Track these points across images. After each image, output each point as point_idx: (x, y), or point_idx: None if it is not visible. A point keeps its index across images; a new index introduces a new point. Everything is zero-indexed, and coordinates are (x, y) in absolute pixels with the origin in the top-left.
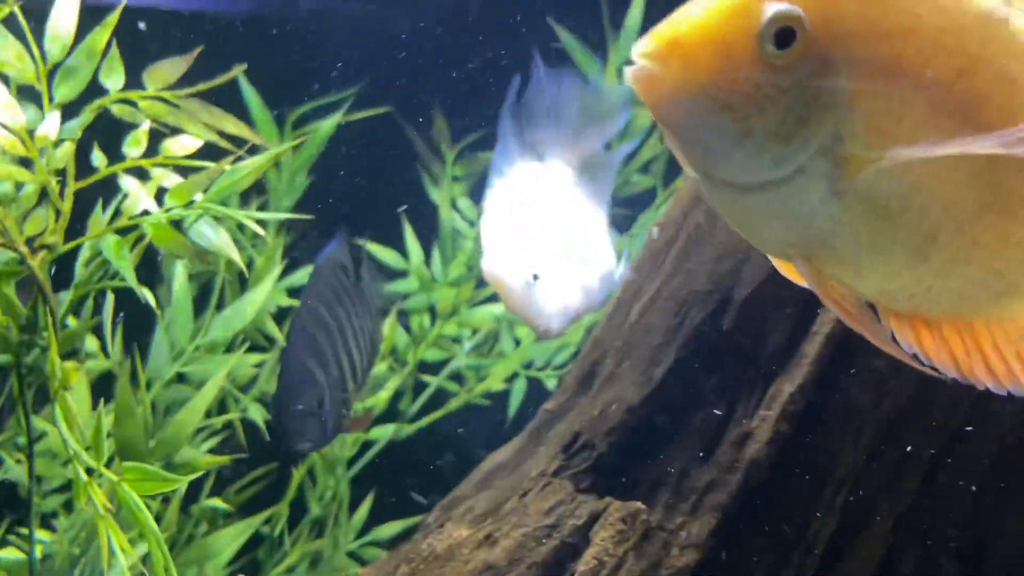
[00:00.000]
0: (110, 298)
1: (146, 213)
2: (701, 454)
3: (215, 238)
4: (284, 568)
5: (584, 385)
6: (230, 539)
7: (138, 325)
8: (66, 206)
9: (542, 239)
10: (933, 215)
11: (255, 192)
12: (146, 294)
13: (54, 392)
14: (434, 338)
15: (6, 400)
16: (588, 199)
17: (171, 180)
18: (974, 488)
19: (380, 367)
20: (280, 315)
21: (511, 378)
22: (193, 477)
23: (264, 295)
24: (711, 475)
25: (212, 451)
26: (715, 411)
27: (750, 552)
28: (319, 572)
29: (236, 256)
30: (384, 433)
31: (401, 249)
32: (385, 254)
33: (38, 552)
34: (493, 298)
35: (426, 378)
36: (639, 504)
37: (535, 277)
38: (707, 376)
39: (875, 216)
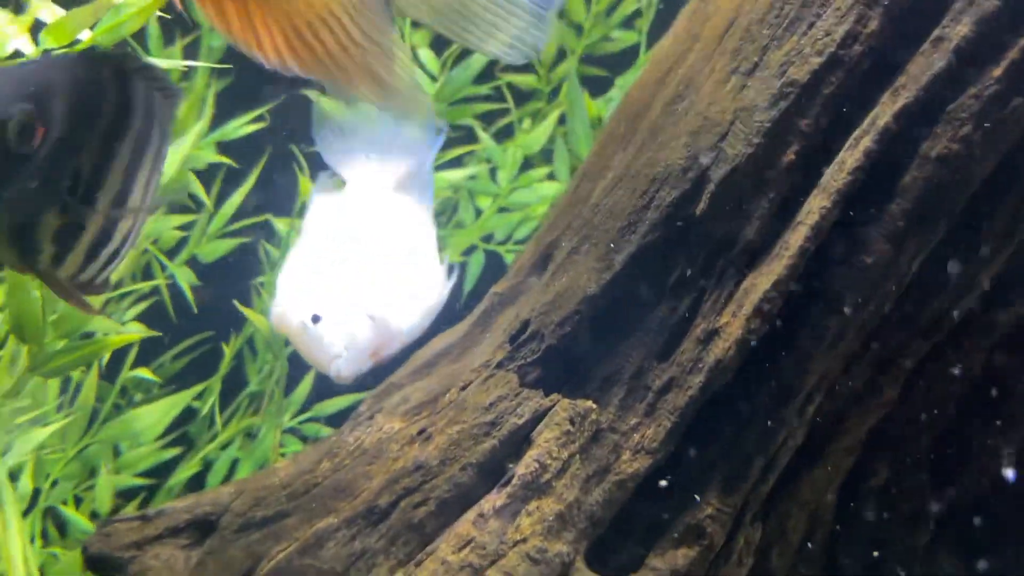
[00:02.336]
0: None
1: (18, 55)
2: (661, 351)
3: None
4: (217, 444)
5: (538, 268)
6: (159, 413)
7: None
8: None
9: (332, 275)
10: None
11: (179, 30)
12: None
13: None
14: None
15: None
16: (407, 219)
17: (51, 12)
18: (954, 402)
19: None
20: (208, 173)
21: (469, 251)
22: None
23: (187, 149)
24: (670, 374)
25: (139, 319)
26: (680, 304)
27: (707, 461)
28: (254, 448)
29: None
30: None
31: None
32: (332, 106)
33: None
34: (453, 163)
35: None
36: (589, 403)
37: (315, 318)
38: (674, 265)
39: None
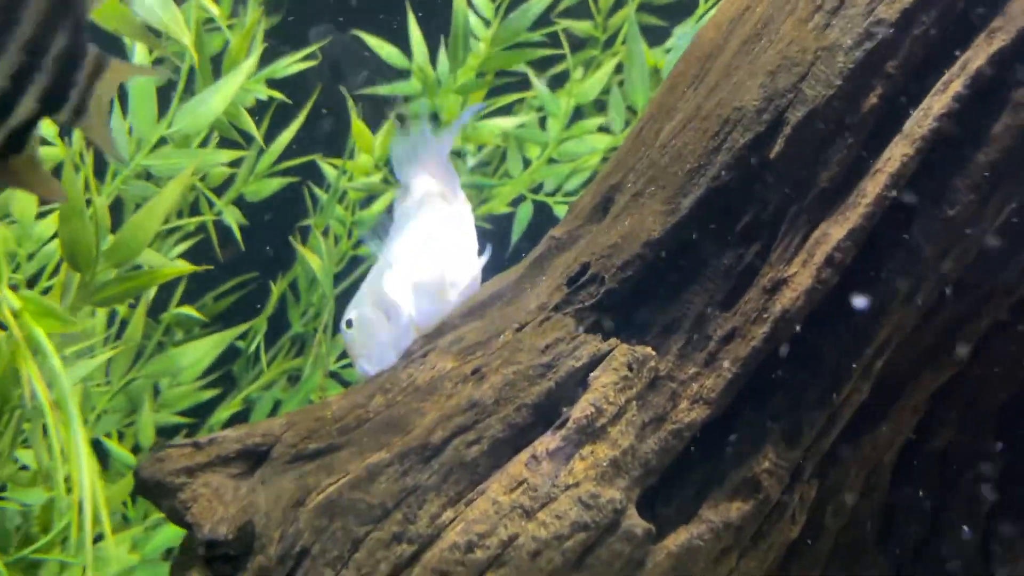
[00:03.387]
0: None
1: None
2: (724, 300)
3: (162, 14)
4: (260, 385)
5: (599, 211)
6: (202, 351)
7: None
8: None
9: (371, 281)
10: None
11: None
12: None
13: None
14: None
15: None
16: (439, 209)
17: None
18: None
19: (375, 177)
20: (259, 109)
21: (517, 201)
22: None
23: (237, 84)
24: (733, 324)
25: (184, 256)
26: (747, 252)
27: (768, 413)
28: (297, 390)
29: (186, 38)
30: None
31: (403, 45)
32: (384, 49)
33: None
34: (504, 110)
35: None
36: (648, 349)
37: (348, 323)
38: (743, 211)
39: None
